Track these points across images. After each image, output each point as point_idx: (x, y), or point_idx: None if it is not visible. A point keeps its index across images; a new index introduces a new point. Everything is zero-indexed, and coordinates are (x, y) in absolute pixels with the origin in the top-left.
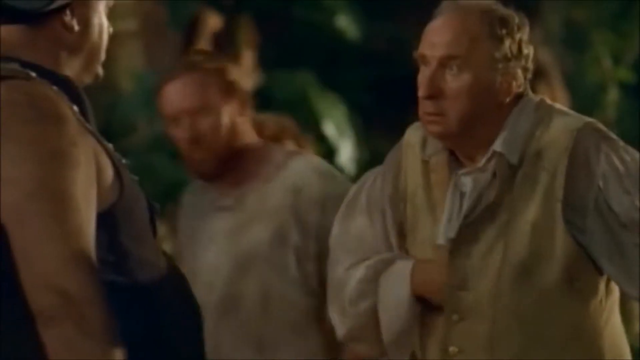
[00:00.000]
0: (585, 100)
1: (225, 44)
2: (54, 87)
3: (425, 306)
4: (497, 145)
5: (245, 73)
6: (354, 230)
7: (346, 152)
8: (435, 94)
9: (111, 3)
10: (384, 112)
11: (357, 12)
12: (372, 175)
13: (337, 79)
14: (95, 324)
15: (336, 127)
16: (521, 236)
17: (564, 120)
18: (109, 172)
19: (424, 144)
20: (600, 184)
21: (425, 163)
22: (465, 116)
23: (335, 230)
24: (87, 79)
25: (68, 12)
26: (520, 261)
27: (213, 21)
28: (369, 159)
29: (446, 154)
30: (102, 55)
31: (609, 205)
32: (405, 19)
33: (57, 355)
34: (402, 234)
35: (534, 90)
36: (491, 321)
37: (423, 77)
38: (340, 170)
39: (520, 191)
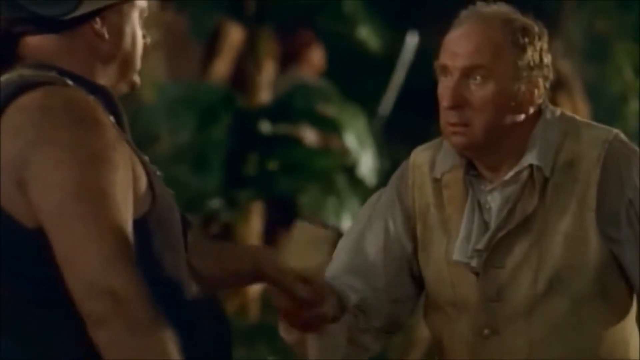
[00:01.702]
0: (606, 110)
1: (246, 55)
2: (91, 96)
3: (447, 321)
4: (532, 158)
5: (267, 84)
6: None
7: (367, 163)
8: (460, 104)
9: (145, 12)
10: (405, 122)
11: (379, 23)
12: (378, 193)
13: (358, 89)
14: (145, 321)
15: (357, 137)
16: (555, 246)
17: (593, 132)
18: (143, 182)
19: (432, 163)
20: (631, 195)
21: (437, 181)
22: (491, 126)
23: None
24: (124, 88)
25: (98, 20)
26: (554, 271)
27: (235, 32)
28: (390, 170)
29: (461, 170)
30: (138, 64)
31: (639, 217)
32: (427, 30)
33: (111, 356)
34: (415, 248)
35: (554, 101)
36: (527, 334)
37: (445, 87)
38: (361, 181)
39: (552, 202)
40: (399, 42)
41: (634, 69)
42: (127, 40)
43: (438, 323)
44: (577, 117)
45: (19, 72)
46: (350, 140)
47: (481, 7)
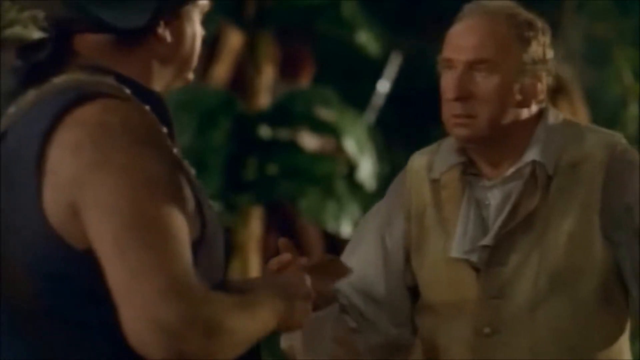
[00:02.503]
0: (606, 115)
1: (246, 59)
2: (147, 107)
3: (443, 321)
4: (535, 154)
5: (266, 88)
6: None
7: (367, 168)
8: (465, 96)
9: (206, 8)
10: (405, 127)
11: (378, 28)
12: (376, 207)
13: (358, 94)
14: (196, 352)
15: (357, 142)
16: (557, 246)
17: (597, 136)
18: (191, 205)
19: (430, 166)
20: (630, 201)
21: (435, 182)
22: (495, 118)
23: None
24: (178, 84)
25: (162, 23)
26: (556, 271)
27: (234, 37)
28: (390, 175)
29: (458, 168)
30: (195, 62)
31: (634, 225)
32: (426, 34)
33: None
34: (406, 258)
35: (554, 105)
36: (529, 334)
37: (450, 79)
38: (361, 185)
39: (555, 202)
40: (399, 46)
41: (634, 74)
42: (187, 41)
43: (432, 325)
44: (581, 123)
45: (76, 76)
46: (350, 145)
47: (485, 1)
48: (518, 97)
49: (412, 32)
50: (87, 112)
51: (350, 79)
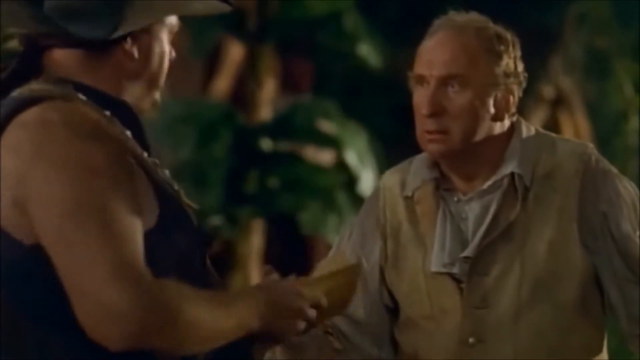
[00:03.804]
0: (606, 127)
1: (247, 72)
2: (106, 111)
3: (425, 334)
4: (514, 167)
5: (267, 101)
6: None
7: (368, 181)
8: (438, 112)
9: (175, 29)
10: (406, 140)
11: (379, 40)
12: (348, 230)
13: (358, 106)
14: (156, 341)
15: (358, 155)
16: (538, 254)
17: (568, 145)
18: (148, 198)
19: (403, 183)
20: (605, 209)
21: (408, 199)
22: (470, 133)
23: None
24: (146, 106)
25: (129, 40)
26: (538, 279)
27: (235, 49)
28: None
29: (431, 184)
30: (162, 83)
31: (611, 232)
32: None
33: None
34: (382, 276)
35: (555, 118)
36: (512, 341)
37: (423, 96)
38: (362, 198)
39: (533, 211)
40: (400, 59)
41: (634, 86)
42: (155, 59)
43: (413, 339)
44: (551, 133)
45: (31, 87)
46: (351, 157)
47: (454, 15)
48: (491, 111)
49: (413, 44)
50: (29, 114)
51: (351, 92)
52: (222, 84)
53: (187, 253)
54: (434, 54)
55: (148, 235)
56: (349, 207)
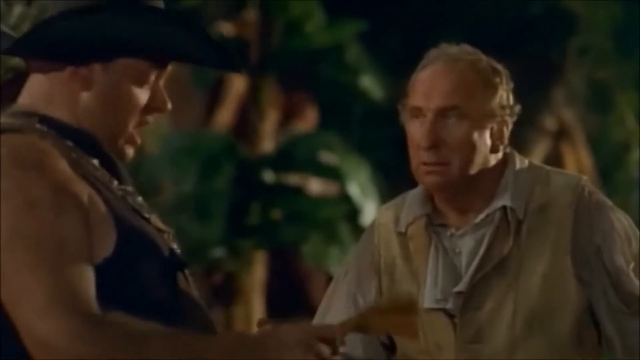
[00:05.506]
0: (609, 159)
1: (249, 104)
2: (68, 141)
3: None
4: (506, 200)
5: (269, 133)
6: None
7: (370, 212)
8: (437, 144)
9: (165, 74)
10: (408, 171)
11: (381, 72)
12: (344, 268)
13: (360, 138)
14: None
15: (360, 186)
16: (531, 288)
17: (562, 178)
18: (105, 225)
19: (397, 219)
20: (599, 241)
21: (402, 235)
22: (468, 164)
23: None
24: (120, 146)
25: (85, 70)
26: (532, 312)
27: (238, 82)
28: None
29: (423, 220)
30: (126, 130)
31: (605, 265)
32: None
33: None
34: None
35: (557, 150)
36: None
37: (419, 128)
38: (364, 230)
39: (527, 245)
40: (402, 91)
41: (636, 118)
42: (112, 99)
43: None
44: (545, 165)
45: None
46: (353, 189)
47: (446, 48)
48: (488, 142)
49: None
50: None
51: (354, 124)
52: (224, 116)
53: (155, 280)
54: (431, 85)
55: (105, 264)
56: (351, 238)
